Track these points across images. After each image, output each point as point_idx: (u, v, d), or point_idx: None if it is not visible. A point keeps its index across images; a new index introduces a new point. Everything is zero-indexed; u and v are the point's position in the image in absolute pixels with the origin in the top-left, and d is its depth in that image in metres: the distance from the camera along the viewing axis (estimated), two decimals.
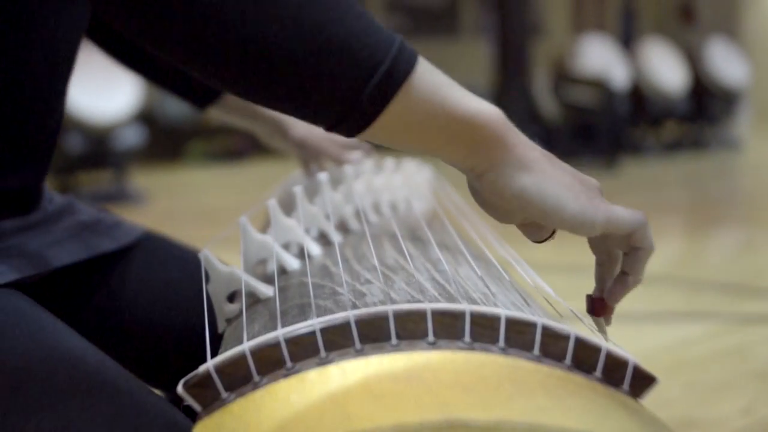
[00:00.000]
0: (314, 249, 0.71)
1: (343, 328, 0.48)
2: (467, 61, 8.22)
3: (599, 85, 6.37)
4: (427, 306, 0.49)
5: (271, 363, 0.48)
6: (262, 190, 0.84)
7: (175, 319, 0.79)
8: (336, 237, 0.73)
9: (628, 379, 0.49)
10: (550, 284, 0.64)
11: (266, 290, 0.64)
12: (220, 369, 0.48)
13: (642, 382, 0.50)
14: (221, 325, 0.66)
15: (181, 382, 0.48)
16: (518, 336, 0.49)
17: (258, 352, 0.48)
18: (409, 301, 0.53)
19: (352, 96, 0.48)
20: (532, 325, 0.49)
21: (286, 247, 0.72)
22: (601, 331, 0.58)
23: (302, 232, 0.72)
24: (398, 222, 0.76)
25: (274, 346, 0.48)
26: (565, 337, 0.49)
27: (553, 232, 0.56)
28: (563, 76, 6.72)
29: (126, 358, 0.67)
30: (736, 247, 3.73)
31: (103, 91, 4.68)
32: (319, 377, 0.46)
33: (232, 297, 0.67)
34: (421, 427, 0.39)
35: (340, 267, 0.63)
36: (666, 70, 7.25)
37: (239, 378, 0.48)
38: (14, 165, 0.67)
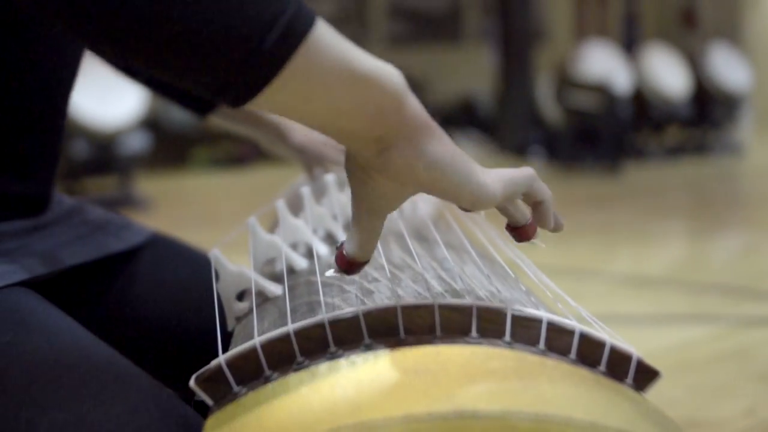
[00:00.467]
0: (322, 249, 0.72)
1: (352, 322, 0.49)
2: (470, 67, 8.23)
3: (602, 90, 6.36)
4: (435, 301, 0.50)
5: (282, 357, 0.49)
6: (266, 196, 0.84)
7: (185, 318, 0.79)
8: (343, 237, 0.74)
9: (632, 373, 0.50)
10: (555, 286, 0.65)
11: (275, 289, 0.65)
12: (231, 363, 0.49)
13: (645, 376, 0.51)
14: (231, 324, 0.67)
15: (193, 376, 0.49)
16: (524, 331, 0.50)
17: (269, 347, 0.49)
18: (416, 298, 0.54)
19: (254, 46, 0.44)
20: (537, 320, 0.50)
21: (293, 247, 0.73)
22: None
23: (310, 233, 0.73)
24: (404, 222, 0.77)
25: (285, 340, 0.49)
26: (569, 332, 0.50)
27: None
28: (566, 82, 6.71)
29: (136, 357, 0.68)
30: (738, 250, 3.73)
31: (108, 97, 4.69)
32: (329, 371, 0.47)
33: (241, 296, 0.68)
34: (430, 417, 0.40)
35: None
36: (668, 75, 7.25)
37: (250, 372, 0.49)
38: (21, 172, 0.68)
